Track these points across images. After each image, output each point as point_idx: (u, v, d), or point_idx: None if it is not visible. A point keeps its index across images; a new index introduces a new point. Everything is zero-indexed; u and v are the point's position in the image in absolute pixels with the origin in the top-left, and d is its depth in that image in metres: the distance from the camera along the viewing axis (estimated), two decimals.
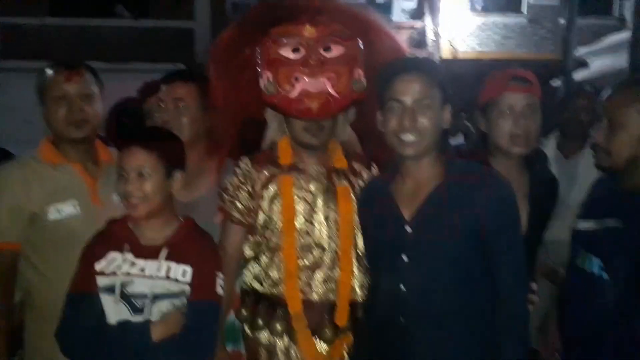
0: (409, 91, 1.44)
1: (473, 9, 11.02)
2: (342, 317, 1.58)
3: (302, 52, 1.58)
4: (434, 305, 1.44)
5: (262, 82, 1.59)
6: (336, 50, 1.60)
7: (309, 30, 1.60)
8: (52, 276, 1.65)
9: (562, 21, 9.88)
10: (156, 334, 1.40)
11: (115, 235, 1.50)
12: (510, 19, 11.03)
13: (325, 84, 1.56)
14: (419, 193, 1.48)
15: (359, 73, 1.60)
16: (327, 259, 1.60)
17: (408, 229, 1.46)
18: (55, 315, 1.55)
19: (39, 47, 9.55)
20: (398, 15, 10.66)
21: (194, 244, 1.50)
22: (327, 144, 1.67)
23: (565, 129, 2.49)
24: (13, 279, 1.66)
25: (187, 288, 1.46)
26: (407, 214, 1.48)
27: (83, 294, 1.45)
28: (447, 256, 1.44)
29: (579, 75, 7.73)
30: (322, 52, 1.59)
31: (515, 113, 1.63)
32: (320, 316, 1.58)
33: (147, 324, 1.41)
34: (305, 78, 1.56)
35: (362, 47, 1.64)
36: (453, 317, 1.43)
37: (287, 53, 1.59)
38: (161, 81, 1.89)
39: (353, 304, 1.60)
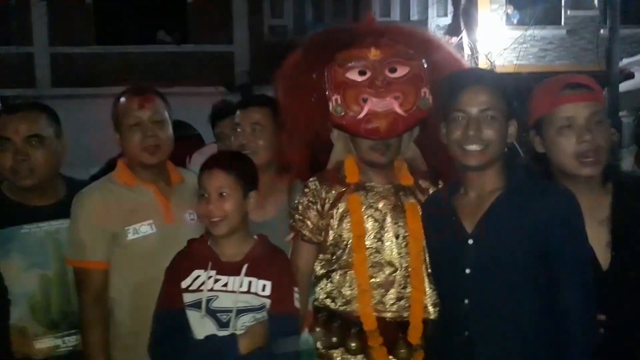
0: (475, 102, 1.44)
1: (509, 22, 10.96)
2: (415, 335, 1.59)
3: (369, 74, 1.63)
4: (498, 319, 1.42)
5: (331, 105, 1.64)
6: (401, 71, 1.65)
7: (373, 53, 1.66)
8: (131, 292, 1.72)
9: (602, 31, 9.73)
10: (243, 347, 1.46)
11: (198, 254, 1.57)
12: (548, 31, 10.89)
13: (392, 104, 1.60)
14: (481, 205, 1.48)
15: (425, 91, 1.64)
16: (398, 276, 1.62)
17: (470, 241, 1.46)
18: (137, 330, 1.63)
19: (87, 74, 10.00)
20: (434, 31, 10.69)
21: (271, 260, 1.57)
22: (393, 162, 1.71)
23: None
24: (106, 296, 1.73)
25: (268, 302, 1.52)
26: (469, 226, 1.47)
27: (171, 311, 1.52)
28: (511, 269, 1.40)
29: (624, 86, 7.55)
30: (387, 73, 1.63)
31: (578, 127, 1.44)
32: (394, 334, 1.60)
33: (234, 337, 1.47)
34: (372, 99, 1.60)
35: (425, 65, 1.69)
36: (518, 330, 1.40)
37: (353, 76, 1.64)
38: (237, 106, 1.97)
39: (426, 322, 1.61)
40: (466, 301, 1.45)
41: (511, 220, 1.42)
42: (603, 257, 1.45)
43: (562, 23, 11.10)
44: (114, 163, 2.06)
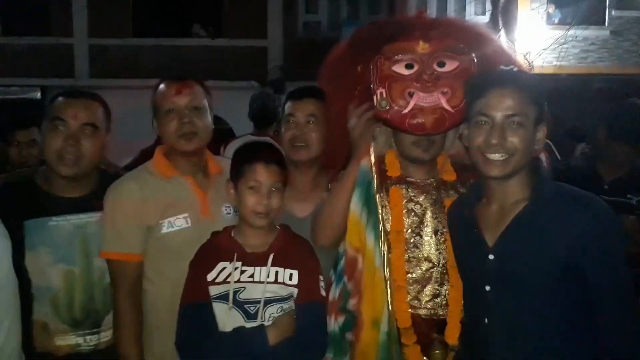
0: (500, 106, 1.34)
1: (550, 22, 10.65)
2: (452, 335, 1.53)
3: (416, 67, 1.57)
4: (519, 342, 1.32)
5: (376, 98, 1.59)
6: (450, 65, 1.58)
7: (422, 46, 1.60)
8: (163, 285, 1.70)
9: None
10: (272, 338, 1.44)
11: (222, 246, 1.56)
12: (591, 32, 10.55)
13: (439, 99, 1.54)
14: (504, 218, 1.37)
15: None
16: (435, 273, 1.57)
17: (491, 257, 1.36)
18: (167, 323, 1.60)
19: (123, 66, 10.16)
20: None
21: (296, 249, 1.57)
22: (435, 157, 1.66)
23: None
24: (140, 288, 1.72)
25: (295, 290, 1.51)
26: (490, 240, 1.38)
27: (197, 305, 1.50)
28: (534, 289, 1.30)
29: None
30: (436, 67, 1.57)
31: None
32: (428, 332, 1.55)
33: (263, 328, 1.45)
34: (419, 93, 1.55)
35: (476, 61, 1.61)
36: (540, 356, 1.31)
37: (400, 69, 1.59)
38: (289, 97, 1.91)
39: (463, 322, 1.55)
40: (486, 320, 1.37)
41: (537, 235, 1.31)
42: None
43: (606, 23, 10.73)
44: (146, 154, 2.05)
